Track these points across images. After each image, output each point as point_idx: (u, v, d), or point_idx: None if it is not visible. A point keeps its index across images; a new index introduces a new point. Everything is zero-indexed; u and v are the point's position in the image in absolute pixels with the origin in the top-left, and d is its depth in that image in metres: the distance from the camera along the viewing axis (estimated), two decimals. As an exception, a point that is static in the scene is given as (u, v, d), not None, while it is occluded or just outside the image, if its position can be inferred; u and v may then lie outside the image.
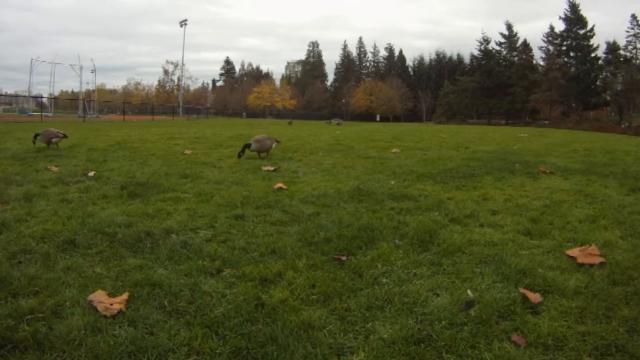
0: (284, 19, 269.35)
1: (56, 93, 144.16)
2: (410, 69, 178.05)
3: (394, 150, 19.01)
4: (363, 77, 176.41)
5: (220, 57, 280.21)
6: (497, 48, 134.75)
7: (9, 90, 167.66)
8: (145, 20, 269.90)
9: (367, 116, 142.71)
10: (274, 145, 16.02)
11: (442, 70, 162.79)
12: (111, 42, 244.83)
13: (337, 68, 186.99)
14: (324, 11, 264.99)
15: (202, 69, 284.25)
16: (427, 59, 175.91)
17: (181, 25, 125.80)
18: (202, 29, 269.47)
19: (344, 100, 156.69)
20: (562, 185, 10.58)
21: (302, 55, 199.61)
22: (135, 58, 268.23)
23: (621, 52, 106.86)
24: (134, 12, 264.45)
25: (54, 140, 16.85)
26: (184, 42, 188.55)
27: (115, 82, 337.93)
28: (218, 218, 7.03)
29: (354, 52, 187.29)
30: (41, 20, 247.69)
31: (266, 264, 5.16)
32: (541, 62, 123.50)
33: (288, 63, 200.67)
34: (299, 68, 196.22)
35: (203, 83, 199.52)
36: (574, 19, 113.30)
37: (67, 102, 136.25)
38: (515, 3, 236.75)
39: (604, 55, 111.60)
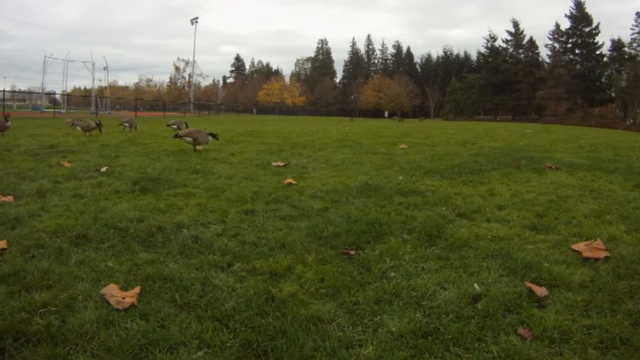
0: (247, 31, 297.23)
1: (69, 90, 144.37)
2: (417, 66, 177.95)
3: (401, 146, 18.99)
4: (371, 74, 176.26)
5: (205, 60, 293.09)
6: (504, 45, 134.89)
7: (22, 87, 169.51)
8: (141, 31, 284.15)
9: (375, 113, 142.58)
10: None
11: (449, 68, 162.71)
12: (115, 49, 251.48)
13: (345, 65, 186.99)
14: (278, 25, 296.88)
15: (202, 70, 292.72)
16: (434, 57, 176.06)
17: (192, 23, 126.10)
18: (189, 40, 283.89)
19: (352, 97, 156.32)
20: (568, 181, 10.54)
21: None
22: (142, 61, 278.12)
23: (626, 49, 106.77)
24: (131, 25, 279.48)
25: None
26: (194, 39, 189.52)
27: (127, 79, 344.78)
28: (228, 213, 7.03)
29: (362, 49, 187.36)
30: (44, 32, 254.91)
31: (276, 258, 5.17)
32: (547, 60, 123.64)
33: (297, 60, 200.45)
34: (308, 65, 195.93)
35: (214, 80, 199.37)
36: (580, 16, 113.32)
37: (79, 99, 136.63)
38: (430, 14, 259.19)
39: (609, 53, 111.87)
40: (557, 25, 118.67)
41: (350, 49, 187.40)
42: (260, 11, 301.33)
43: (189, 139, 15.73)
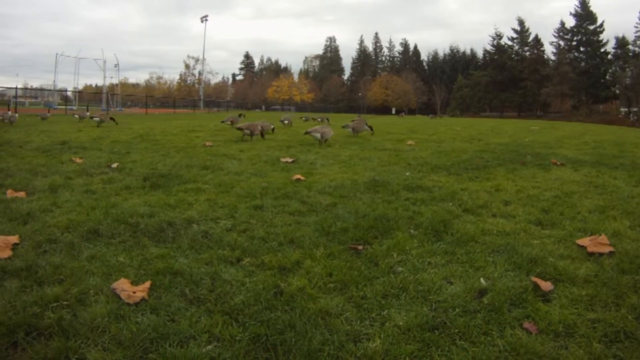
0: (229, 37, 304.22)
1: (80, 87, 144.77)
2: (424, 64, 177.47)
3: (409, 142, 18.99)
4: (379, 71, 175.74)
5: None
6: (509, 43, 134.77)
7: (34, 85, 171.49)
8: (141, 40, 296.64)
9: (382, 109, 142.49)
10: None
11: (455, 65, 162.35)
12: (121, 55, 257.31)
13: (353, 62, 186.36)
14: (255, 34, 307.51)
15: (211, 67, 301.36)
16: (441, 54, 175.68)
17: (202, 21, 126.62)
18: (181, 46, 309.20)
19: (360, 94, 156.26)
20: (573, 177, 10.52)
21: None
22: (147, 62, 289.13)
23: (630, 47, 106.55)
24: (131, 35, 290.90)
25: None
26: (204, 37, 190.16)
27: (138, 77, 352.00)
28: (238, 208, 7.03)
29: (370, 47, 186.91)
30: (55, 41, 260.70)
31: (285, 253, 5.16)
32: (552, 57, 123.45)
33: (306, 57, 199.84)
34: (316, 62, 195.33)
35: (223, 77, 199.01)
36: (584, 15, 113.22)
37: (91, 96, 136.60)
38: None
39: (613, 50, 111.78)
40: (562, 23, 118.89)
41: (358, 46, 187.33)
42: (231, 24, 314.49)
43: (248, 131, 19.17)
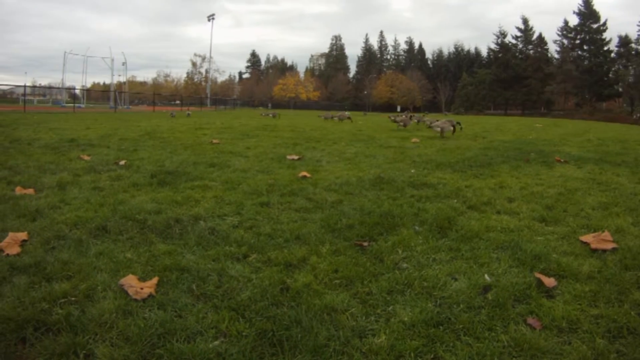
0: (224, 41, 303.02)
1: (88, 85, 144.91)
2: (429, 62, 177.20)
3: (413, 140, 18.92)
4: (384, 69, 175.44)
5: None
6: (514, 42, 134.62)
7: (43, 83, 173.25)
8: (144, 45, 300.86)
9: (388, 107, 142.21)
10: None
11: (460, 63, 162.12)
12: (127, 57, 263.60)
13: (359, 61, 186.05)
14: (248, 38, 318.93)
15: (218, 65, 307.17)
16: (445, 52, 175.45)
17: (209, 20, 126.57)
18: (181, 48, 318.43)
19: (365, 92, 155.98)
20: (576, 174, 10.49)
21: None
22: (152, 63, 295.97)
23: (633, 45, 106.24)
24: (131, 42, 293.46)
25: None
26: (211, 35, 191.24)
27: (145, 75, 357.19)
28: (244, 205, 7.03)
29: (375, 45, 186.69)
30: (63, 46, 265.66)
31: (291, 249, 5.16)
32: (556, 55, 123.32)
33: (312, 56, 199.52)
34: (322, 61, 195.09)
35: (230, 75, 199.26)
36: (588, 13, 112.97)
37: (98, 94, 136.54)
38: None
39: (616, 49, 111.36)
40: (566, 22, 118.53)
41: (363, 44, 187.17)
42: (216, 32, 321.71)
43: (402, 124, 26.03)
